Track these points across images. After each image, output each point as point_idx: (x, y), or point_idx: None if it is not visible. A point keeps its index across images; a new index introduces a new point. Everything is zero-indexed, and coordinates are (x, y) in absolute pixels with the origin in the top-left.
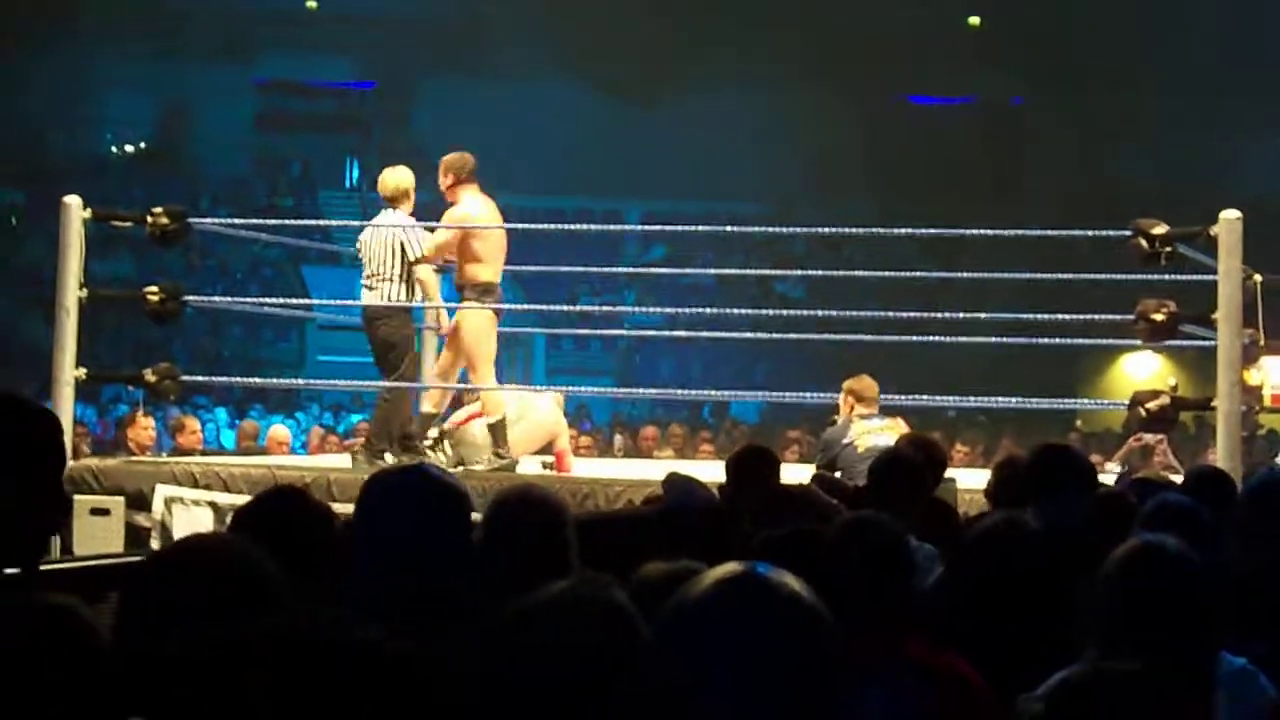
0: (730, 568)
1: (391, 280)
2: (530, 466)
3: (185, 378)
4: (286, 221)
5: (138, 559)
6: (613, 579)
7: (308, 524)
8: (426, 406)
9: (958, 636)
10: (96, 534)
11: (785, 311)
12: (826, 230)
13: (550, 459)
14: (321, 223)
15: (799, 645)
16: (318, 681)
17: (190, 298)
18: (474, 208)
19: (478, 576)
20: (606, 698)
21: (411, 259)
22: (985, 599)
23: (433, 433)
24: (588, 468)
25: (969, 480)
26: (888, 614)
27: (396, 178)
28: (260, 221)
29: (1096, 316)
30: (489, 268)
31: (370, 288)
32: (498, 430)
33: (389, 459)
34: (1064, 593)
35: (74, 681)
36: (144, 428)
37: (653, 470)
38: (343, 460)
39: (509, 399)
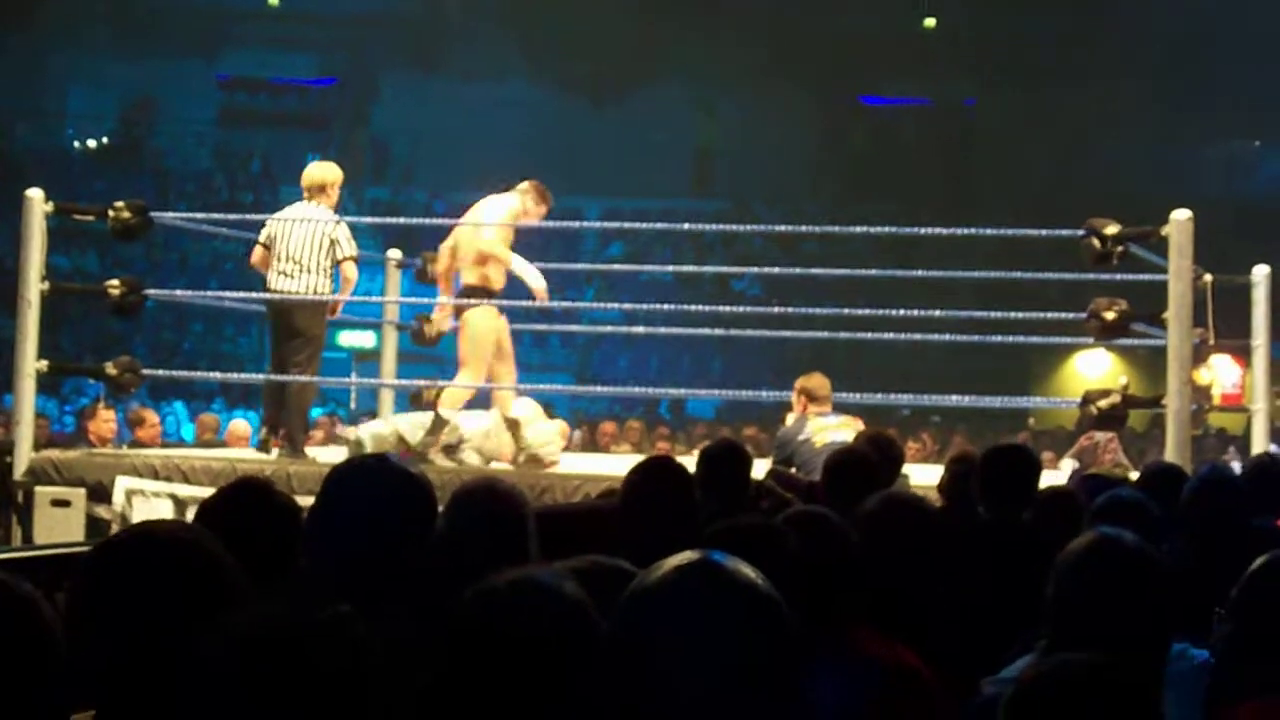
0: (687, 555)
1: (313, 272)
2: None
3: (146, 371)
4: (248, 216)
5: (90, 546)
6: (561, 567)
7: (272, 516)
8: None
9: (904, 627)
10: (57, 525)
11: (742, 308)
12: (783, 228)
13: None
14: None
15: (755, 631)
16: (283, 671)
17: (151, 291)
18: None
19: (439, 567)
20: (560, 680)
21: (341, 257)
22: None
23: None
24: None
25: (922, 476)
26: (835, 606)
27: (324, 172)
28: (222, 216)
29: (1049, 315)
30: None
31: (289, 275)
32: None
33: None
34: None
35: (22, 669)
36: (105, 420)
37: (610, 465)
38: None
39: (527, 403)
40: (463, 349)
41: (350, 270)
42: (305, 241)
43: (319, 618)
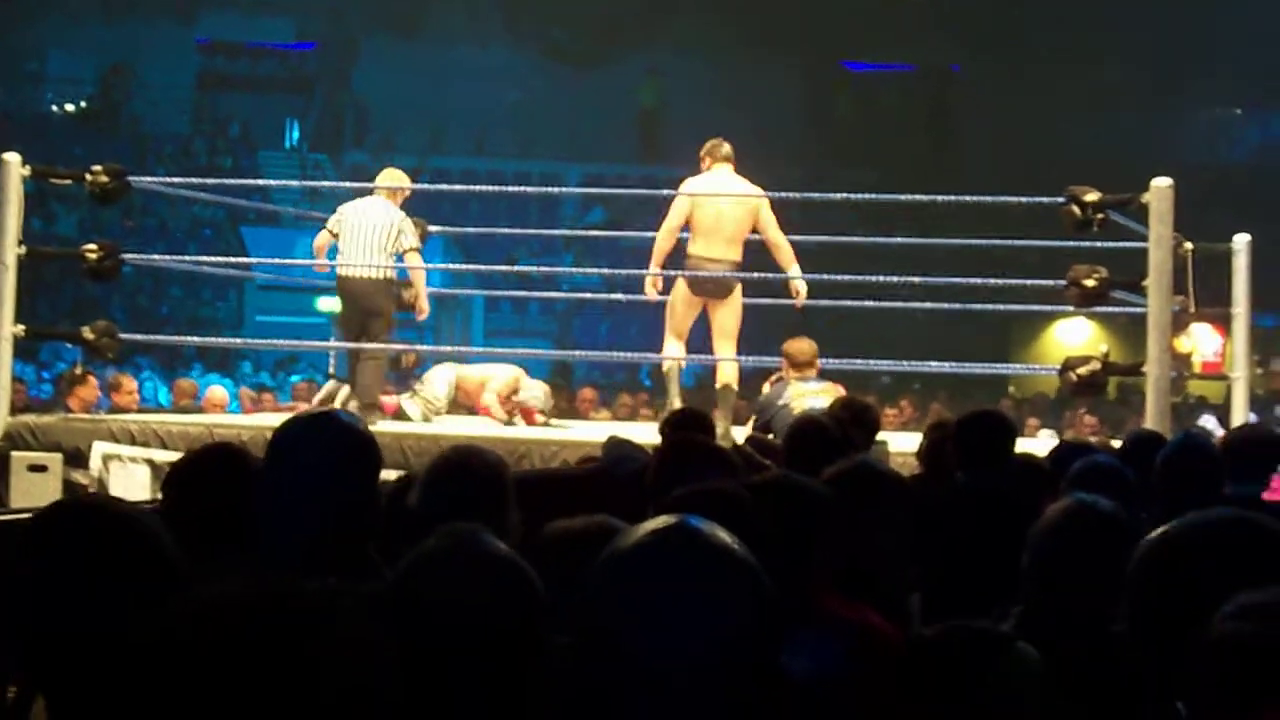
0: (662, 520)
1: (378, 256)
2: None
3: (124, 336)
4: (227, 181)
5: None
6: (483, 528)
7: (243, 481)
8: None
9: (870, 593)
10: (33, 490)
11: (722, 274)
12: (765, 194)
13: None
14: (261, 183)
15: (731, 595)
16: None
17: (129, 256)
18: (690, 185)
19: (415, 534)
20: (509, 646)
21: (405, 248)
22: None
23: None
24: (525, 428)
25: (902, 443)
26: (804, 570)
27: (401, 179)
28: (200, 181)
29: (1030, 282)
30: (695, 240)
31: (357, 264)
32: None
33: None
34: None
35: None
36: (93, 385)
37: (589, 431)
38: (281, 419)
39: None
40: (730, 324)
41: (414, 259)
42: (375, 234)
43: (274, 591)
